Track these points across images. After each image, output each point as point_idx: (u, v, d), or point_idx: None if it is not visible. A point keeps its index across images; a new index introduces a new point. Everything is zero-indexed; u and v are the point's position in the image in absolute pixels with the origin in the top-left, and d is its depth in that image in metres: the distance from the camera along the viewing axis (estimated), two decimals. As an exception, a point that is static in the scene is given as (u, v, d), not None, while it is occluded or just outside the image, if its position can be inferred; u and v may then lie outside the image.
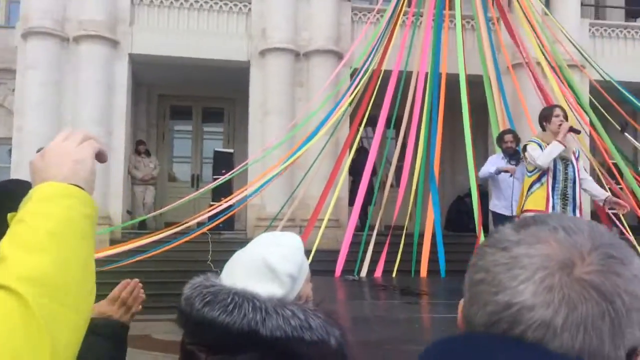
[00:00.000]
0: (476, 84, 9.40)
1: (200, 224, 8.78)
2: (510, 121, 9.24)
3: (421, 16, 9.93)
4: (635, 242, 8.86)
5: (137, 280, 1.53)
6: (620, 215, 9.58)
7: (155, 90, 12.66)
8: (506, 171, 6.52)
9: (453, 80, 9.13)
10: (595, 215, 11.31)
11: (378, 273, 8.28)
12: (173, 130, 13.38)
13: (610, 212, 9.89)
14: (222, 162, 10.19)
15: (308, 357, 1.04)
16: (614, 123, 8.67)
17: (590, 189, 4.83)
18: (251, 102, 10.48)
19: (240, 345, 1.04)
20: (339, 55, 10.25)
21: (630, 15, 12.82)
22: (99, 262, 7.17)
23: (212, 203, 9.48)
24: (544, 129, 4.74)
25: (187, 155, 13.16)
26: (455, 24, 9.68)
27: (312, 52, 10.39)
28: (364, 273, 8.30)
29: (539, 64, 9.53)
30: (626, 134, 4.96)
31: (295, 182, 9.39)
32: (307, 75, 10.43)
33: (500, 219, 6.82)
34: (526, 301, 0.54)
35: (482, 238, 8.53)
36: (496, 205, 6.97)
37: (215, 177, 9.68)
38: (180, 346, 1.14)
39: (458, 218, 12.47)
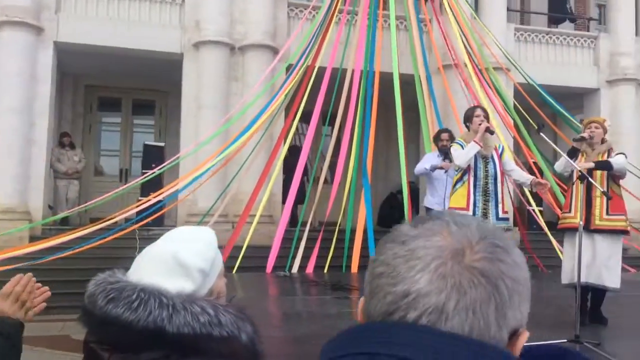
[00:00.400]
0: (410, 83, 9.62)
1: (128, 220, 8.52)
2: (438, 121, 9.52)
3: (356, 15, 10.05)
4: (552, 237, 9.39)
5: (30, 274, 1.47)
6: (538, 212, 10.11)
7: (82, 80, 12.14)
8: (440, 168, 6.70)
9: (388, 79, 9.30)
10: (521, 210, 11.87)
11: (309, 269, 8.32)
12: (101, 123, 12.87)
13: (530, 208, 10.41)
14: (153, 156, 9.91)
15: (218, 354, 1.02)
16: (533, 124, 9.11)
17: (518, 177, 5.05)
18: (184, 95, 10.24)
19: (145, 344, 1.00)
20: (274, 50, 10.20)
21: (553, 21, 13.49)
22: (17, 259, 6.83)
23: (140, 198, 9.22)
24: (468, 129, 4.91)
25: (115, 149, 12.70)
26: (389, 24, 9.86)
27: (247, 46, 10.28)
28: (295, 269, 8.33)
29: (467, 65, 9.87)
30: (542, 134, 5.23)
31: (229, 177, 9.28)
32: (243, 70, 10.31)
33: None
34: (422, 289, 0.57)
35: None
36: (430, 201, 7.15)
37: (144, 171, 9.40)
38: (83, 345, 1.09)
39: (390, 214, 12.72)
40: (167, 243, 1.15)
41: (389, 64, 9.48)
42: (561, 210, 5.08)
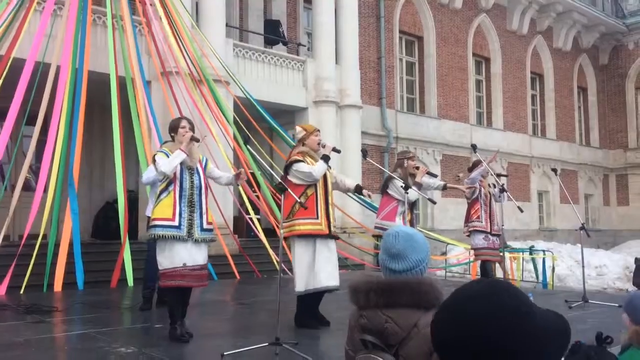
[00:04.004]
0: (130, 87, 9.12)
1: None
2: (156, 128, 9.21)
3: (63, 6, 9.12)
4: (267, 244, 9.87)
5: None
6: (255, 219, 10.57)
7: None
8: None
9: (105, 80, 8.65)
10: (239, 218, 12.24)
11: (2, 290, 7.14)
12: None
13: (248, 217, 10.81)
14: None
15: None
16: (237, 136, 9.43)
17: (227, 181, 5.03)
18: None
19: None
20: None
21: (268, 42, 14.38)
22: None
23: None
24: (173, 140, 4.83)
25: None
26: (105, 21, 9.20)
27: None
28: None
29: (187, 75, 9.79)
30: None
31: None
32: None
33: None
34: None
35: (127, 245, 8.23)
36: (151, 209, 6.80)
37: None
38: None
39: (106, 225, 11.89)
40: None
41: (105, 64, 8.84)
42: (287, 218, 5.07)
